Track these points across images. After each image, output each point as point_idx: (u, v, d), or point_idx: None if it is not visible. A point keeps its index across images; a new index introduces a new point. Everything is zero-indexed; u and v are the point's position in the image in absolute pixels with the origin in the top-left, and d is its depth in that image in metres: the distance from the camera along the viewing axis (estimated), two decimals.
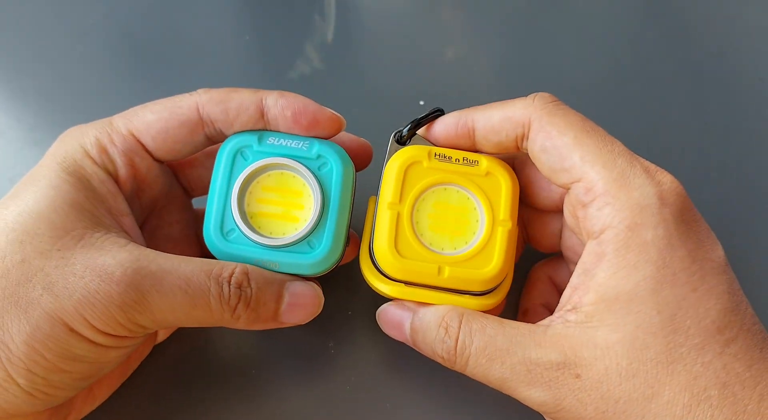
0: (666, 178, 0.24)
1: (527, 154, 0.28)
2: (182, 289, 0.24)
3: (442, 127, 0.29)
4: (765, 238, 0.37)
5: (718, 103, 0.43)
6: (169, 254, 0.25)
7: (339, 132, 0.29)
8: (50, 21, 0.45)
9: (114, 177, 0.27)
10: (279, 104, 0.27)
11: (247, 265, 0.26)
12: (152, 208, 0.31)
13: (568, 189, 0.26)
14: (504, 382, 0.24)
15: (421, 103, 0.42)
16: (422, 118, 0.29)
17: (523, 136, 0.27)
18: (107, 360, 0.25)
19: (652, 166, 0.25)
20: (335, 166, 0.27)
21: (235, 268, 0.25)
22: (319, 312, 0.27)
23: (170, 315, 0.24)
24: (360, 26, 0.47)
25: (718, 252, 0.24)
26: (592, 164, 0.24)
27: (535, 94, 0.27)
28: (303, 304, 0.26)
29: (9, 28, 0.45)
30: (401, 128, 0.29)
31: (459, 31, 0.47)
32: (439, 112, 0.29)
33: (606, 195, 0.24)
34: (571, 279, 0.25)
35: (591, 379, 0.22)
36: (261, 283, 0.25)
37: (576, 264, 0.29)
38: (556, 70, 0.45)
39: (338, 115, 0.28)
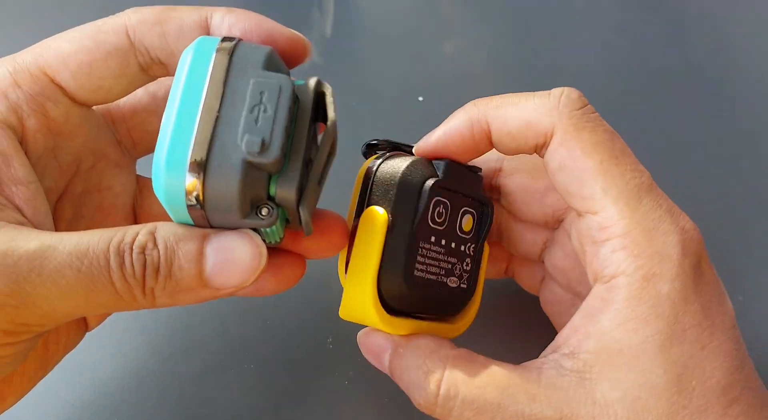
0: (689, 225, 0.22)
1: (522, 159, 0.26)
2: (74, 266, 0.18)
3: (452, 133, 0.25)
4: (765, 234, 0.37)
5: (716, 100, 0.43)
6: (60, 232, 0.19)
7: (304, 58, 0.23)
8: (49, 14, 0.45)
9: (17, 131, 0.22)
10: (226, 22, 0.22)
11: (158, 222, 0.20)
12: (77, 168, 0.25)
13: (580, 215, 0.23)
14: None
15: (420, 99, 0.41)
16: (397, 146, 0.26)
17: (544, 145, 0.24)
18: None
19: (675, 208, 0.22)
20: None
21: (141, 228, 0.20)
22: (261, 270, 0.20)
23: (62, 304, 0.19)
24: (358, 21, 0.47)
25: (729, 305, 0.22)
26: (614, 200, 0.22)
27: (560, 90, 0.24)
28: (235, 259, 0.20)
29: (8, 21, 0.44)
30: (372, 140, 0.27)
31: (458, 26, 0.47)
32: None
33: (625, 238, 0.22)
34: (572, 319, 0.23)
35: None
36: (173, 240, 0.19)
37: (557, 283, 0.28)
38: (555, 64, 0.45)
39: (301, 35, 0.23)
